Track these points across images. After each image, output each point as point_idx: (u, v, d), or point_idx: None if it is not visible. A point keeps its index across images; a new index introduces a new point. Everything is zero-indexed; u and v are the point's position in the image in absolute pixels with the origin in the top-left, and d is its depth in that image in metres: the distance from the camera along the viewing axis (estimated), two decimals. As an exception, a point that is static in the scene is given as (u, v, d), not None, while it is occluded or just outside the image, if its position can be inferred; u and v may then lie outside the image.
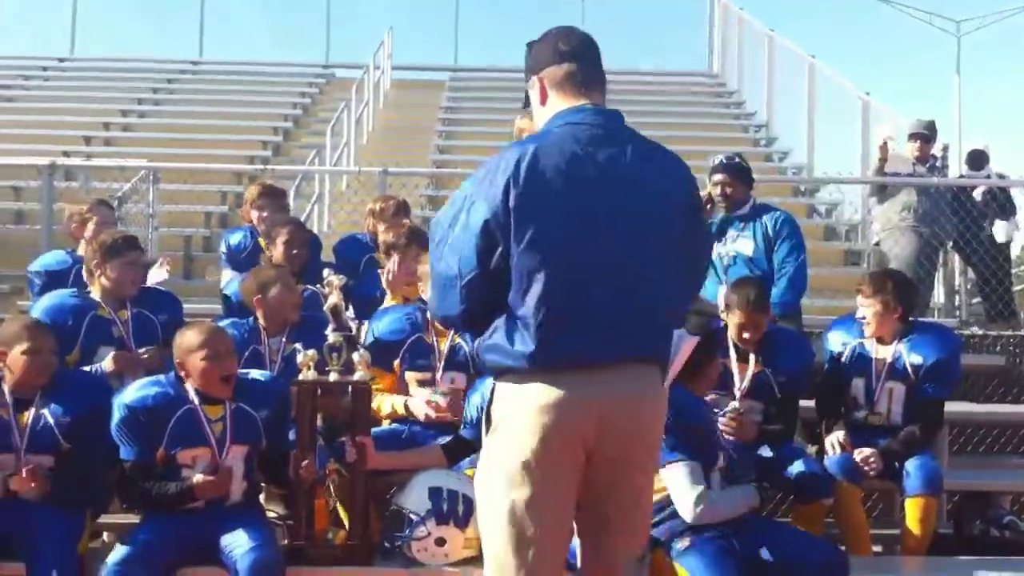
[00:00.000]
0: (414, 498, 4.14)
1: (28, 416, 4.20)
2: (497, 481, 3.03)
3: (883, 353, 4.85)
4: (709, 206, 5.61)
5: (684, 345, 3.23)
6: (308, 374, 4.22)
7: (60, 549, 3.95)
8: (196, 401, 4.14)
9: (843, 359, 4.97)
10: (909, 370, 4.79)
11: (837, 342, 5.02)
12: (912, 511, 4.67)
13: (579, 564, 3.22)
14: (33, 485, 4.08)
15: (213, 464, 4.11)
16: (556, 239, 2.98)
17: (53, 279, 5.39)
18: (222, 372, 4.14)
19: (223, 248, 6.42)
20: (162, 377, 4.25)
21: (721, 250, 5.59)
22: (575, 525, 3.15)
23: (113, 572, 3.86)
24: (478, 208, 2.99)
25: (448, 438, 4.49)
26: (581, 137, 3.04)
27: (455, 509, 4.18)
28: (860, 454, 4.69)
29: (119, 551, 3.96)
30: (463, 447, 4.39)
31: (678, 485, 4.03)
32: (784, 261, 5.51)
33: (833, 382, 5.01)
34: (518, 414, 3.00)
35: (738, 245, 5.56)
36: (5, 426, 4.18)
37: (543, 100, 3.17)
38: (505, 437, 3.02)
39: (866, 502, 5.82)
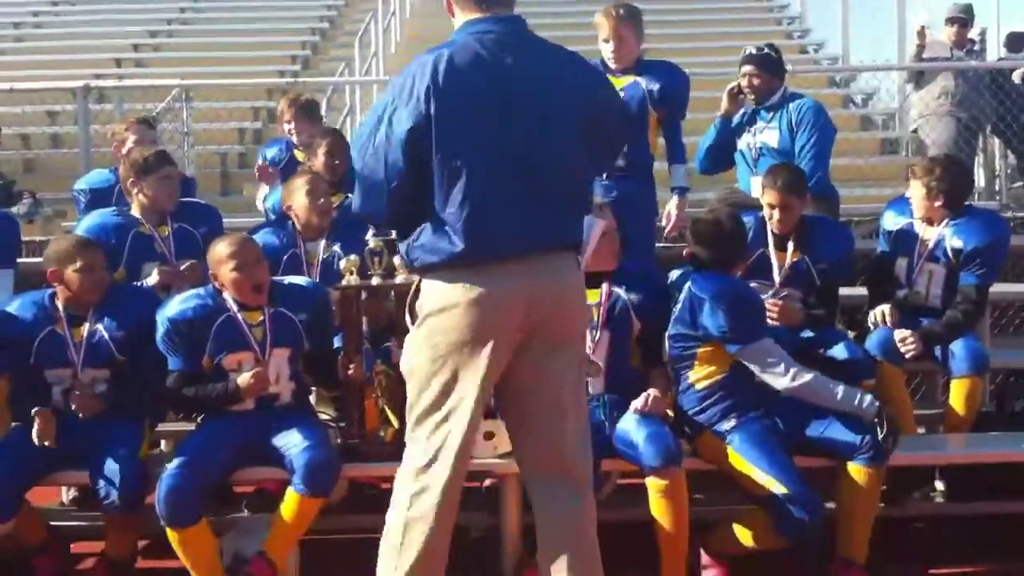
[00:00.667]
0: (461, 393, 4.22)
1: (83, 331, 4.30)
2: (424, 367, 3.31)
3: (928, 234, 4.85)
4: (741, 96, 5.57)
5: (595, 230, 3.53)
6: (351, 279, 4.29)
7: (122, 456, 4.07)
8: (234, 308, 4.24)
9: (892, 238, 4.98)
10: (949, 254, 4.78)
11: (890, 221, 5.02)
12: (957, 391, 4.70)
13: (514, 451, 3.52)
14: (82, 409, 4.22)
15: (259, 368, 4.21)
16: (475, 141, 3.21)
17: (97, 197, 5.46)
18: (252, 281, 4.22)
19: (260, 162, 6.46)
20: (201, 289, 4.34)
21: (750, 141, 5.55)
22: (504, 415, 3.54)
23: (173, 476, 3.98)
24: (400, 116, 3.21)
25: None
26: (487, 43, 3.25)
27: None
28: (899, 335, 4.71)
29: (178, 456, 4.08)
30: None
31: (763, 362, 4.08)
32: (803, 148, 5.42)
33: (884, 262, 5.02)
34: (445, 310, 3.26)
35: (764, 136, 5.51)
36: (61, 342, 4.29)
37: (451, 13, 3.38)
38: (433, 330, 3.29)
39: (909, 384, 5.86)
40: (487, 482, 4.54)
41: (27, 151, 9.94)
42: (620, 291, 4.27)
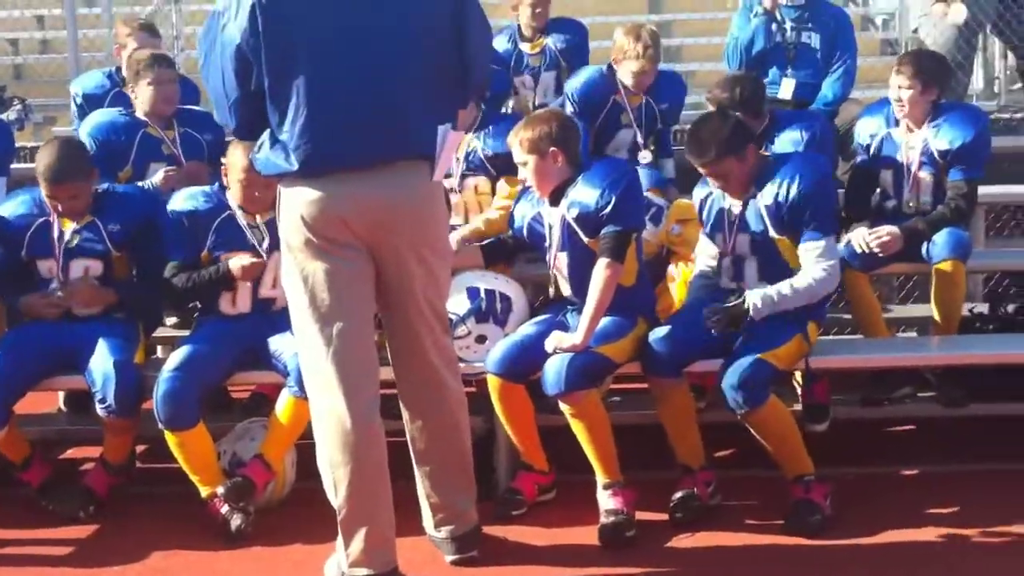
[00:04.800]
0: (453, 298, 4.22)
1: (78, 224, 4.30)
2: (291, 266, 3.43)
3: (913, 141, 4.69)
4: None
5: (449, 139, 3.44)
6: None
7: (117, 361, 4.08)
8: (236, 209, 4.26)
9: (872, 150, 4.81)
10: (936, 155, 4.63)
11: (866, 133, 4.84)
12: (940, 278, 4.55)
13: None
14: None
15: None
16: (305, 54, 3.25)
17: (92, 104, 5.38)
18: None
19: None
20: (207, 188, 4.37)
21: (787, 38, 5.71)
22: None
23: (170, 379, 4.01)
24: (230, 31, 3.26)
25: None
26: None
27: (493, 307, 4.30)
28: (874, 234, 4.51)
29: (174, 358, 4.11)
30: (502, 249, 4.46)
31: (825, 259, 3.98)
32: (842, 57, 5.73)
33: (864, 174, 4.87)
34: (292, 211, 3.37)
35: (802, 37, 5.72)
36: (51, 232, 4.27)
37: None
38: (287, 229, 3.41)
39: (901, 289, 5.89)
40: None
41: (16, 56, 9.79)
42: (565, 206, 4.04)
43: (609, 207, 3.94)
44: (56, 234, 4.29)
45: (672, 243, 4.65)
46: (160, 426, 4.02)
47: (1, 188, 4.89)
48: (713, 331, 3.94)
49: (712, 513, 4.09)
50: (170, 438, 4.03)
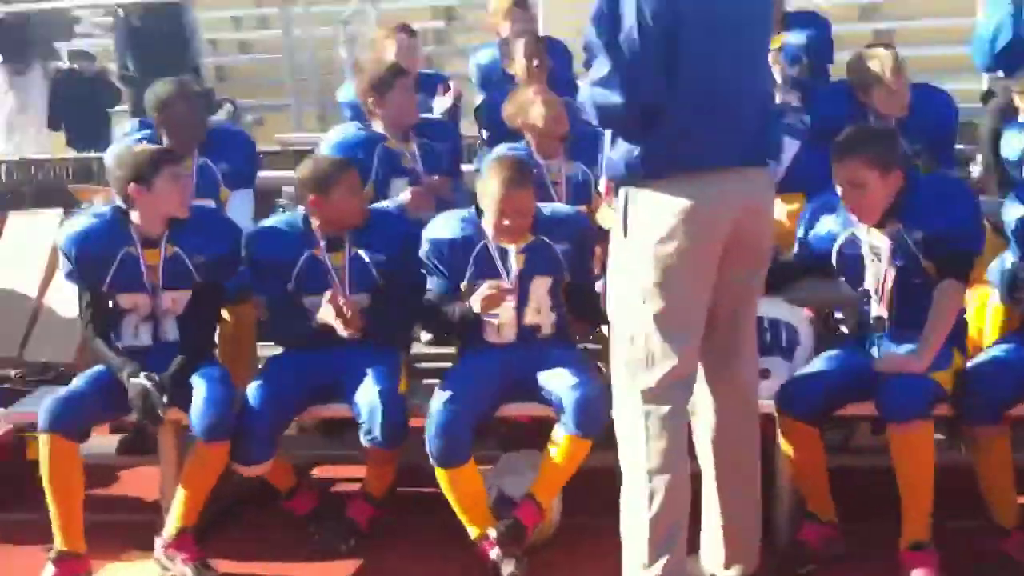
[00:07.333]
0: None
1: (343, 257, 4.11)
2: (634, 293, 3.21)
3: None
4: None
5: (789, 152, 3.49)
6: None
7: (383, 386, 3.90)
8: (490, 236, 4.01)
9: None
10: None
11: None
12: None
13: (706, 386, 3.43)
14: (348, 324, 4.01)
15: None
16: (691, 41, 3.07)
17: (357, 114, 5.14)
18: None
19: (473, 70, 6.16)
20: (464, 213, 4.12)
21: None
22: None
23: (443, 412, 3.80)
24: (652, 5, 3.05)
25: None
26: None
27: (778, 338, 4.00)
28: None
29: (443, 391, 3.89)
30: (784, 273, 4.02)
31: None
32: None
33: None
34: (661, 210, 3.13)
35: None
36: (321, 267, 4.10)
37: None
38: (640, 245, 3.18)
39: None
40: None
41: (219, 58, 9.84)
42: (900, 226, 3.68)
43: (956, 227, 3.65)
44: (330, 269, 4.10)
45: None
46: (432, 462, 3.81)
47: (248, 201, 4.75)
48: None
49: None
50: (441, 475, 3.81)
